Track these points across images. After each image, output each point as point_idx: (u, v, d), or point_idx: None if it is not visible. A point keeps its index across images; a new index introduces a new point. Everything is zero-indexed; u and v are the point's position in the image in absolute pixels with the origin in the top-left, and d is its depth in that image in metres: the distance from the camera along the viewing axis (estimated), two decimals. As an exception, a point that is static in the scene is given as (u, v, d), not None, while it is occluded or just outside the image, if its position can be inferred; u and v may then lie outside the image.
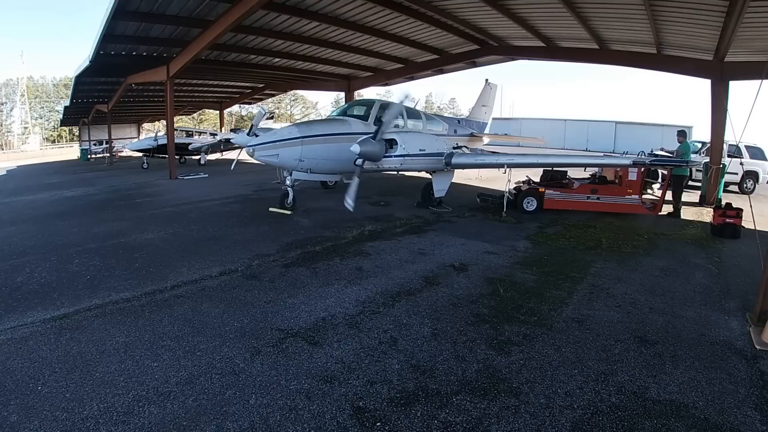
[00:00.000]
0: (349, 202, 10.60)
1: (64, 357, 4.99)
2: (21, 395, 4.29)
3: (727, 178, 17.36)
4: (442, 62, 25.59)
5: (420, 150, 12.28)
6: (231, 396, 4.33)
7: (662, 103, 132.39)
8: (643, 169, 13.54)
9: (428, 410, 4.18)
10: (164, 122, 36.44)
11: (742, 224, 11.39)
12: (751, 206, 8.81)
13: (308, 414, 4.08)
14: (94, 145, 44.79)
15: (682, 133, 14.93)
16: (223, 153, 33.65)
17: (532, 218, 13.02)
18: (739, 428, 4.05)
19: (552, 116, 54.55)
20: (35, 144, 72.23)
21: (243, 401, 4.25)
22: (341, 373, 4.75)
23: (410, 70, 27.65)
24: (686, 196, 16.08)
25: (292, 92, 68.64)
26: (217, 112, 47.38)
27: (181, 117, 52.92)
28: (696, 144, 21.85)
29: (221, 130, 40.98)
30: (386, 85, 33.48)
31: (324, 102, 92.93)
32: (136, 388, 4.42)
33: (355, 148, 11.14)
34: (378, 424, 3.98)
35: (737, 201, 12.72)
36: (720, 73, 15.89)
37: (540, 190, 13.94)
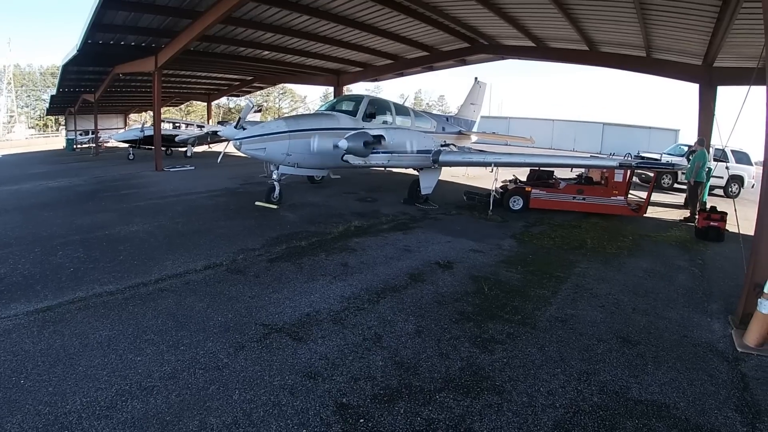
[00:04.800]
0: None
1: (47, 350, 4.95)
2: (3, 389, 4.24)
3: (712, 181, 17.53)
4: (432, 59, 25.63)
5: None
6: (214, 391, 4.31)
7: (651, 103, 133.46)
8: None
9: (411, 407, 4.19)
10: (151, 113, 36.21)
11: (726, 228, 11.51)
12: (735, 210, 8.92)
13: (292, 410, 4.08)
14: (80, 135, 44.43)
15: (700, 141, 15.08)
16: (210, 145, 33.50)
17: (518, 217, 13.09)
18: (720, 429, 4.10)
19: (540, 116, 54.88)
20: (21, 133, 71.37)
21: (226, 396, 4.24)
22: (325, 369, 4.75)
23: (400, 67, 27.67)
24: (671, 198, 16.24)
25: (280, 85, 68.44)
26: (205, 103, 47.02)
27: (168, 108, 52.61)
28: (683, 147, 22.10)
29: (209, 123, 40.78)
30: (376, 80, 33.42)
31: (313, 96, 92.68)
32: (119, 383, 4.39)
33: (343, 144, 11.13)
34: (361, 420, 3.99)
35: (722, 205, 12.84)
36: (708, 78, 16.03)
37: (526, 189, 14.00)
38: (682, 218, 14.28)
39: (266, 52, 25.34)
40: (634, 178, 17.44)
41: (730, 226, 11.40)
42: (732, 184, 20.68)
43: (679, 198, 17.86)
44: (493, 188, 13.52)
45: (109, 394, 4.22)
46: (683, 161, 18.53)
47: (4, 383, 4.33)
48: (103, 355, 4.88)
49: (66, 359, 4.78)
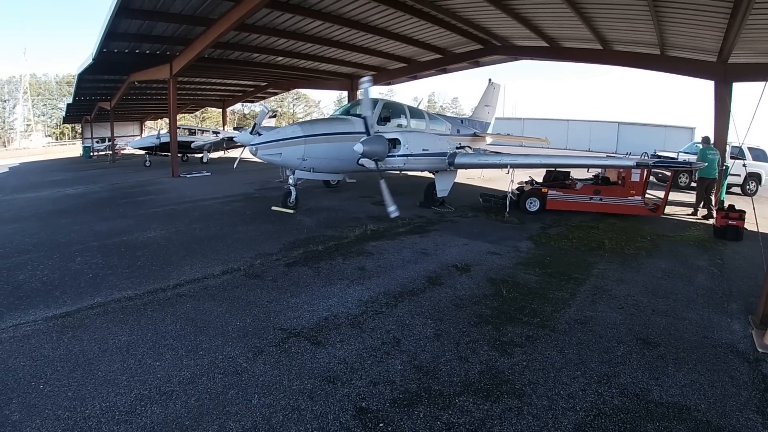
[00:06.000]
0: (392, 209, 10.58)
1: (66, 355, 5.00)
2: (23, 394, 4.29)
3: (729, 179, 17.34)
4: (446, 62, 25.61)
5: (423, 150, 12.24)
6: (233, 396, 4.33)
7: (666, 101, 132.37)
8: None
9: (431, 411, 4.17)
10: (167, 120, 36.48)
11: (745, 226, 11.37)
12: (753, 208, 8.80)
13: (311, 414, 4.08)
14: (97, 142, 44.89)
15: (706, 139, 15.31)
16: (226, 151, 33.66)
17: (534, 219, 13.00)
18: (741, 431, 4.04)
19: (555, 117, 54.61)
20: (38, 141, 72.25)
21: (245, 401, 4.25)
22: (344, 374, 4.75)
23: (413, 70, 27.68)
24: (689, 197, 16.12)
25: (294, 91, 68.79)
26: (220, 110, 47.36)
27: (183, 115, 52.97)
28: (699, 145, 21.91)
29: (224, 129, 40.96)
30: (389, 84, 33.49)
31: (327, 101, 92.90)
32: (138, 388, 4.42)
33: (359, 148, 11.12)
34: (381, 424, 3.98)
35: (740, 203, 12.69)
36: (723, 74, 15.85)
37: (543, 190, 13.90)
38: (700, 216, 14.21)
39: (280, 58, 25.47)
40: (651, 178, 17.29)
41: (749, 225, 11.27)
42: (749, 182, 20.42)
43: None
44: (509, 190, 13.44)
45: (128, 399, 4.25)
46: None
47: (24, 388, 4.38)
48: (122, 360, 4.91)
49: (85, 364, 4.83)
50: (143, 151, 30.70)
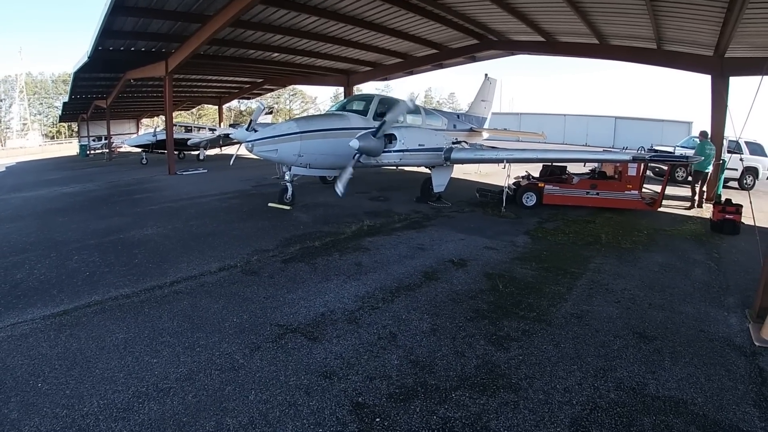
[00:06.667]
0: (340, 188, 10.94)
1: (63, 354, 5.00)
2: (21, 392, 4.29)
3: (726, 174, 17.34)
4: (442, 57, 25.55)
5: (419, 145, 12.26)
6: (230, 392, 4.33)
7: (663, 96, 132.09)
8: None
9: (427, 406, 4.18)
10: (163, 118, 36.41)
11: (742, 220, 11.39)
12: (750, 202, 8.80)
13: (308, 410, 4.09)
14: (93, 141, 44.79)
15: (704, 134, 15.54)
16: (222, 148, 33.61)
17: (531, 213, 13.01)
18: (738, 425, 4.05)
19: (551, 111, 54.48)
20: (34, 140, 72.00)
21: (242, 397, 4.26)
22: (340, 369, 4.76)
23: (409, 65, 27.61)
24: (686, 192, 16.15)
25: (291, 87, 68.55)
26: (216, 107, 47.33)
27: (180, 112, 52.90)
28: (696, 140, 21.92)
29: (220, 126, 40.90)
30: (385, 79, 33.50)
31: (323, 97, 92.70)
32: (135, 385, 4.43)
33: (354, 143, 11.12)
34: (377, 419, 3.98)
35: (737, 197, 12.69)
36: (720, 68, 15.84)
37: (539, 185, 13.90)
38: (690, 205, 14.62)
39: (276, 54, 25.42)
40: (648, 172, 17.29)
41: (746, 219, 11.28)
42: (746, 176, 20.40)
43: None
44: (506, 185, 13.42)
45: (126, 396, 4.25)
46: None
47: (22, 387, 4.38)
48: (119, 358, 4.92)
49: (83, 362, 4.83)
50: (140, 148, 30.62)
